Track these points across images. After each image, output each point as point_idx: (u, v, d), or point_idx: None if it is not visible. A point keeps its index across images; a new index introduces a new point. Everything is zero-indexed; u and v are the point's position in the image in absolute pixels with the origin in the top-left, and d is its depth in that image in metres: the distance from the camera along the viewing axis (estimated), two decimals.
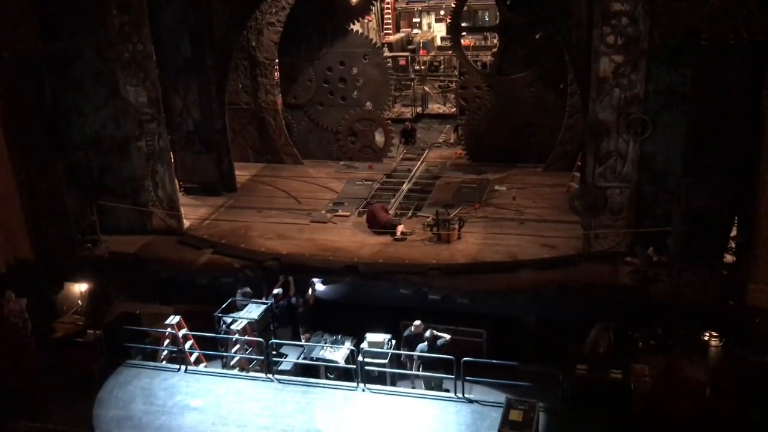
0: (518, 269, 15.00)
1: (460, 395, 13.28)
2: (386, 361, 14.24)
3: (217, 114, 18.45)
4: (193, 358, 15.18)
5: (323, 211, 18.15)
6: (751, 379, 11.95)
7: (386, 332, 14.75)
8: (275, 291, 15.55)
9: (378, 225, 16.97)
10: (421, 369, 14.13)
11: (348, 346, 14.96)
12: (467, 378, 13.21)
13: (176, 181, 17.63)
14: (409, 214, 18.04)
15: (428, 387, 14.13)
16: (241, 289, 15.72)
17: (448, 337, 13.98)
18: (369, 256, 15.74)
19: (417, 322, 14.32)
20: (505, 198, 18.38)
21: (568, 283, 14.35)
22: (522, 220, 17.15)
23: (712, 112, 12.83)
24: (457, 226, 16.49)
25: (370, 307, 15.19)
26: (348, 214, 18.02)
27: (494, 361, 13.25)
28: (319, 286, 15.50)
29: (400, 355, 14.48)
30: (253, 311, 15.39)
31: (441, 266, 15.25)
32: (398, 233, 16.69)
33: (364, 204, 18.46)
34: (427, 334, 13.92)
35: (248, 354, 15.07)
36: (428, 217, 17.32)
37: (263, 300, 15.56)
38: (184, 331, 15.19)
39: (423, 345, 13.99)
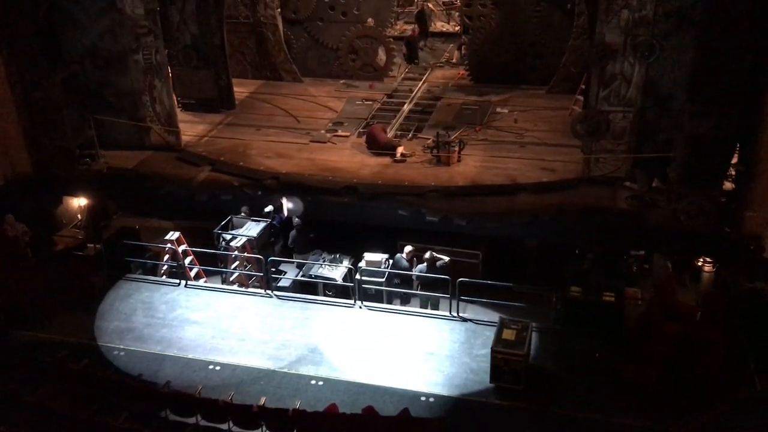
0: (517, 192, 14.94)
1: (455, 314, 13.43)
2: (383, 280, 14.35)
3: (215, 28, 18.06)
4: (192, 274, 15.35)
5: (323, 131, 17.97)
6: (741, 304, 12.07)
7: (384, 252, 14.82)
8: (266, 209, 15.61)
9: (378, 146, 16.83)
10: (418, 288, 14.24)
11: (346, 264, 15.05)
12: (462, 297, 13.33)
13: (174, 97, 17.38)
14: (410, 135, 17.87)
15: (424, 306, 14.25)
16: (241, 208, 15.85)
17: (447, 259, 14.04)
18: (368, 177, 15.68)
19: (408, 248, 14.33)
20: (507, 121, 18.15)
21: (566, 207, 14.33)
22: (523, 143, 16.99)
23: (721, 38, 12.61)
24: (457, 149, 16.35)
25: (369, 227, 15.20)
26: (348, 134, 17.83)
27: (489, 281, 13.35)
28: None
29: (395, 275, 14.59)
30: (253, 229, 15.51)
31: (440, 188, 15.21)
32: (398, 154, 16.58)
33: (364, 124, 18.26)
34: (427, 255, 13.94)
35: (247, 270, 15.18)
36: (428, 138, 17.18)
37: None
38: (183, 246, 15.33)
39: (422, 266, 14.04)
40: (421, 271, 14.00)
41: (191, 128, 18.12)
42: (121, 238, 15.66)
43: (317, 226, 15.82)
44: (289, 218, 15.75)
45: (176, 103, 17.88)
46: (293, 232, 15.52)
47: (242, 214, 15.69)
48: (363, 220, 15.22)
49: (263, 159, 16.64)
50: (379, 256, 14.57)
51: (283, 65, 20.85)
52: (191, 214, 16.39)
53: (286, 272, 15.37)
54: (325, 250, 15.57)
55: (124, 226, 16.51)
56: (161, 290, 14.61)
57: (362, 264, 14.46)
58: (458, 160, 16.32)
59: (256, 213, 15.88)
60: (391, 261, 14.74)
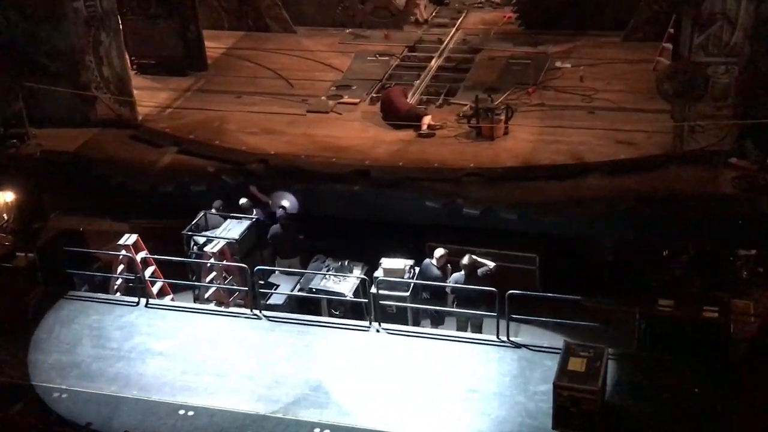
0: (585, 174, 15.09)
1: (504, 338, 13.49)
2: (407, 293, 14.46)
3: None
4: (155, 289, 15.46)
5: (323, 98, 18.13)
6: None
7: (407, 257, 14.92)
8: (241, 202, 15.85)
9: (397, 116, 17.03)
10: (454, 305, 14.35)
11: (357, 274, 15.16)
12: (513, 316, 13.36)
13: (127, 56, 17.67)
14: (439, 101, 18.04)
15: (462, 327, 14.36)
16: (214, 203, 16.08)
17: (491, 264, 14.12)
18: (385, 158, 15.92)
19: (439, 252, 14.43)
20: (570, 79, 18.29)
21: (651, 193, 14.40)
22: (591, 108, 17.11)
23: None
24: (503, 117, 16.44)
25: (387, 224, 15.41)
26: (357, 101, 18.02)
27: (549, 294, 13.37)
28: (285, 202, 15.87)
29: (423, 288, 14.73)
30: (233, 229, 15.63)
31: (481, 170, 15.36)
32: (424, 127, 16.77)
33: (378, 88, 18.41)
34: (465, 260, 14.02)
35: (228, 284, 15.33)
36: (465, 105, 17.32)
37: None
38: (143, 254, 15.43)
39: (458, 275, 14.13)
40: (457, 282, 14.09)
41: (150, 97, 18.32)
42: (61, 244, 15.63)
43: (317, 223, 16.01)
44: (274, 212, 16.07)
45: (130, 64, 18.09)
46: (275, 228, 15.72)
47: (213, 210, 15.94)
48: (379, 215, 15.44)
49: (246, 136, 16.84)
50: (401, 263, 14.71)
51: (270, 11, 21.04)
52: (152, 211, 16.54)
53: (278, 285, 15.47)
54: (330, 255, 15.69)
55: (65, 228, 16.53)
56: (115, 312, 14.71)
57: (379, 273, 14.58)
58: (505, 133, 16.43)
59: (235, 208, 16.13)
60: (417, 269, 14.85)
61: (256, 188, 15.96)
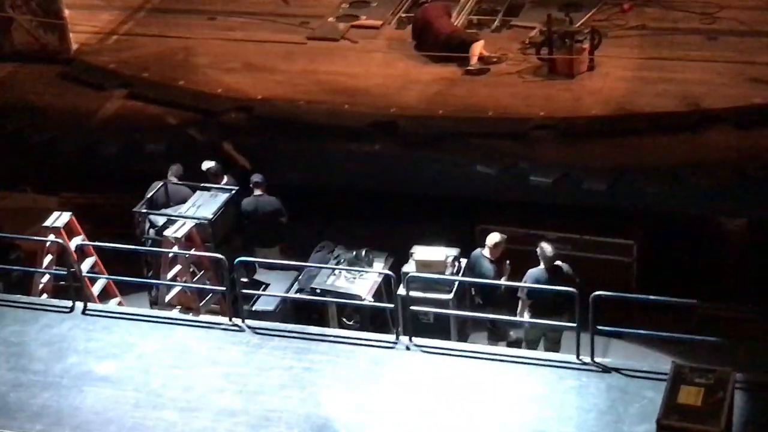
0: (704, 126, 15.15)
1: (588, 359, 13.44)
2: (449, 296, 14.55)
3: None
4: (96, 290, 15.59)
5: (331, 19, 18.27)
6: None
7: (449, 245, 14.97)
8: (206, 165, 16.03)
9: (436, 43, 17.20)
10: (520, 311, 14.41)
11: (380, 269, 15.20)
12: (601, 328, 13.32)
13: None
14: (496, 22, 18.14)
15: (533, 345, 14.49)
16: (171, 167, 16.32)
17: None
18: (418, 105, 16.11)
19: (494, 238, 14.37)
20: None
21: None
22: (712, 32, 17.15)
23: None
24: (587, 46, 16.55)
25: (421, 199, 15.58)
26: (379, 23, 18.15)
27: (652, 297, 13.24)
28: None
29: (472, 289, 14.81)
30: (204, 205, 15.75)
31: (555, 122, 15.46)
32: (474, 59, 16.91)
33: (409, 3, 18.48)
34: (547, 250, 13.93)
35: (197, 282, 15.42)
36: (532, 28, 17.50)
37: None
38: (79, 239, 15.48)
39: (537, 271, 14.10)
40: (538, 282, 14.05)
41: (88, 19, 18.46)
42: None
43: (322, 197, 16.30)
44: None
45: None
46: (250, 201, 15.97)
47: (173, 178, 16.13)
48: (409, 185, 15.70)
49: (221, 74, 17.12)
50: (440, 253, 14.79)
51: None
52: (90, 180, 16.86)
53: (268, 285, 15.67)
54: (341, 242, 15.78)
55: None
56: (40, 321, 14.73)
57: (410, 268, 14.70)
58: (590, 68, 16.57)
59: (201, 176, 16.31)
60: (463, 262, 14.92)
61: (233, 146, 16.27)
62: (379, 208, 15.81)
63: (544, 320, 14.05)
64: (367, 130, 15.89)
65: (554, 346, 14.26)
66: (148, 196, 15.82)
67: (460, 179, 15.57)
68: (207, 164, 15.88)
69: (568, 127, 15.44)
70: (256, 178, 15.91)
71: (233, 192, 15.88)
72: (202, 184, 16.03)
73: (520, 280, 14.31)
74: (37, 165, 16.92)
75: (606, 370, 13.39)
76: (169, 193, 16.25)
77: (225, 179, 16.04)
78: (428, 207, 15.55)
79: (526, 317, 14.33)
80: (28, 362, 14.16)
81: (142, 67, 17.39)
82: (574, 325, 13.28)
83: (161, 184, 16.08)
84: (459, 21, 18.10)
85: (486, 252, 14.49)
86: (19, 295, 15.38)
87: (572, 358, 13.53)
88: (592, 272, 14.20)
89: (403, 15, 18.26)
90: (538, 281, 13.99)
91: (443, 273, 14.63)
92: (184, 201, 16.01)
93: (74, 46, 17.78)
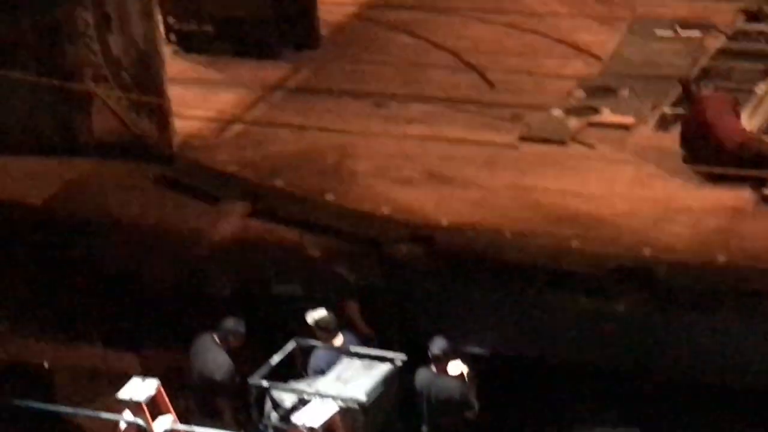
0: None
1: None
2: None
3: None
4: None
5: (557, 112, 16.38)
6: None
7: None
8: (316, 316, 14.20)
9: (719, 154, 15.04)
10: None
11: None
12: None
13: (160, 17, 16.68)
14: None
15: None
16: (315, 313, 14.27)
17: None
18: (686, 245, 13.90)
19: None
20: None
21: None
22: None
23: None
24: None
25: (689, 386, 13.57)
26: (630, 120, 16.06)
27: None
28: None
29: None
30: (354, 378, 14.06)
31: None
32: None
33: (678, 95, 16.35)
34: None
35: None
36: None
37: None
38: (168, 421, 13.66)
39: None
40: None
41: (200, 100, 17.11)
42: (8, 393, 14.71)
43: (529, 373, 14.56)
44: None
45: (164, 32, 17.53)
46: (427, 375, 13.92)
47: (319, 335, 14.23)
48: (670, 366, 13.88)
49: (391, 186, 15.46)
50: None
51: None
52: (192, 332, 14.54)
53: None
54: None
55: (13, 360, 15.48)
56: None
57: None
58: None
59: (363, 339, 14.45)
60: None
61: (357, 310, 15.25)
62: (618, 397, 13.92)
63: None
64: (606, 279, 13.63)
65: None
66: (274, 360, 13.86)
67: (753, 362, 13.27)
68: (315, 314, 14.03)
69: None
70: (438, 347, 13.66)
71: (396, 367, 13.82)
72: (351, 347, 14.01)
73: None
74: (114, 306, 15.04)
75: None
76: (304, 358, 14.31)
77: (341, 337, 14.26)
78: (702, 399, 13.45)
79: None
80: None
81: (275, 171, 15.28)
82: None
83: (294, 344, 14.11)
84: (751, 122, 15.67)
85: None
86: None
87: None
88: None
89: (668, 110, 15.85)
90: None
91: None
92: (323, 371, 13.89)
93: (179, 138, 15.93)
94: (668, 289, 13.81)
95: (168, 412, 13.26)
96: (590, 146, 15.76)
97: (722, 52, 17.59)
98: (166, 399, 13.24)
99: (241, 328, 14.09)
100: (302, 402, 13.25)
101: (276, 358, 13.73)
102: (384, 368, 13.68)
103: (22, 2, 15.72)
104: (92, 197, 15.50)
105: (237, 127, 16.60)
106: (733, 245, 13.82)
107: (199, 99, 17.04)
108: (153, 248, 15.18)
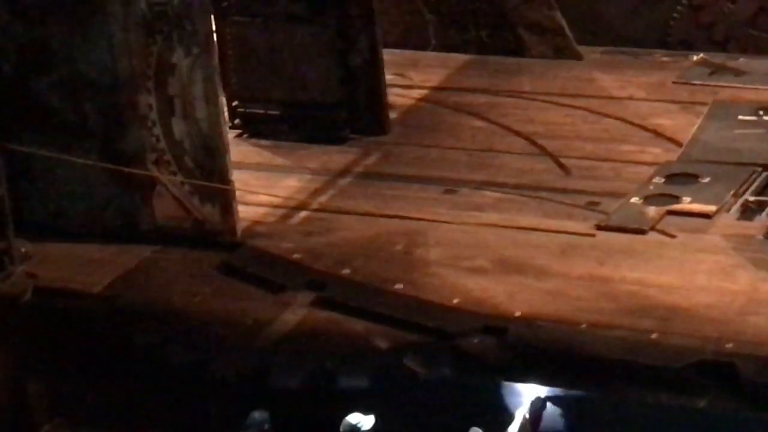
0: None
1: None
2: None
3: None
4: None
5: (636, 199, 16.41)
6: None
7: None
8: (353, 422, 14.10)
9: None
10: None
11: None
12: None
13: (224, 100, 16.57)
14: None
15: None
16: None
17: None
18: (764, 336, 13.45)
19: None
20: None
21: None
22: None
23: None
24: None
25: None
26: (712, 208, 15.93)
27: None
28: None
29: None
30: None
31: None
32: None
33: (762, 179, 16.50)
34: None
35: None
36: None
37: None
38: None
39: None
40: None
41: (265, 185, 17.25)
42: None
43: None
44: None
45: (228, 116, 17.35)
46: None
47: None
48: None
49: (461, 276, 15.13)
50: None
51: (534, 16, 20.10)
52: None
53: None
54: None
55: None
56: None
57: None
58: None
59: None
60: None
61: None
62: None
63: None
64: (688, 374, 13.12)
65: None
66: None
67: None
68: (354, 419, 13.81)
69: None
70: None
71: None
72: None
73: None
74: (178, 398, 14.67)
75: None
76: None
77: None
78: None
79: None
80: None
81: (342, 260, 15.09)
82: None
83: None
84: None
85: None
86: None
87: None
88: None
89: (751, 199, 15.70)
90: None
91: None
92: None
93: (243, 225, 15.78)
94: (753, 384, 13.16)
95: None
96: (670, 235, 15.42)
97: None
98: None
99: (267, 423, 13.75)
100: None
101: None
102: None
103: (84, 86, 15.66)
104: (154, 285, 15.30)
105: (303, 214, 16.29)
106: None
107: (264, 184, 16.82)
108: (216, 338, 14.88)
